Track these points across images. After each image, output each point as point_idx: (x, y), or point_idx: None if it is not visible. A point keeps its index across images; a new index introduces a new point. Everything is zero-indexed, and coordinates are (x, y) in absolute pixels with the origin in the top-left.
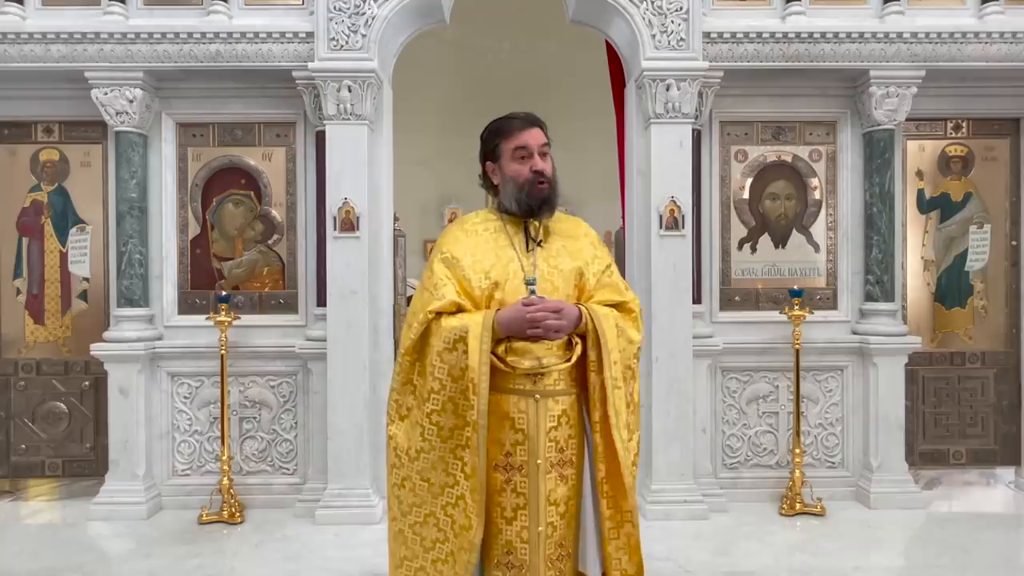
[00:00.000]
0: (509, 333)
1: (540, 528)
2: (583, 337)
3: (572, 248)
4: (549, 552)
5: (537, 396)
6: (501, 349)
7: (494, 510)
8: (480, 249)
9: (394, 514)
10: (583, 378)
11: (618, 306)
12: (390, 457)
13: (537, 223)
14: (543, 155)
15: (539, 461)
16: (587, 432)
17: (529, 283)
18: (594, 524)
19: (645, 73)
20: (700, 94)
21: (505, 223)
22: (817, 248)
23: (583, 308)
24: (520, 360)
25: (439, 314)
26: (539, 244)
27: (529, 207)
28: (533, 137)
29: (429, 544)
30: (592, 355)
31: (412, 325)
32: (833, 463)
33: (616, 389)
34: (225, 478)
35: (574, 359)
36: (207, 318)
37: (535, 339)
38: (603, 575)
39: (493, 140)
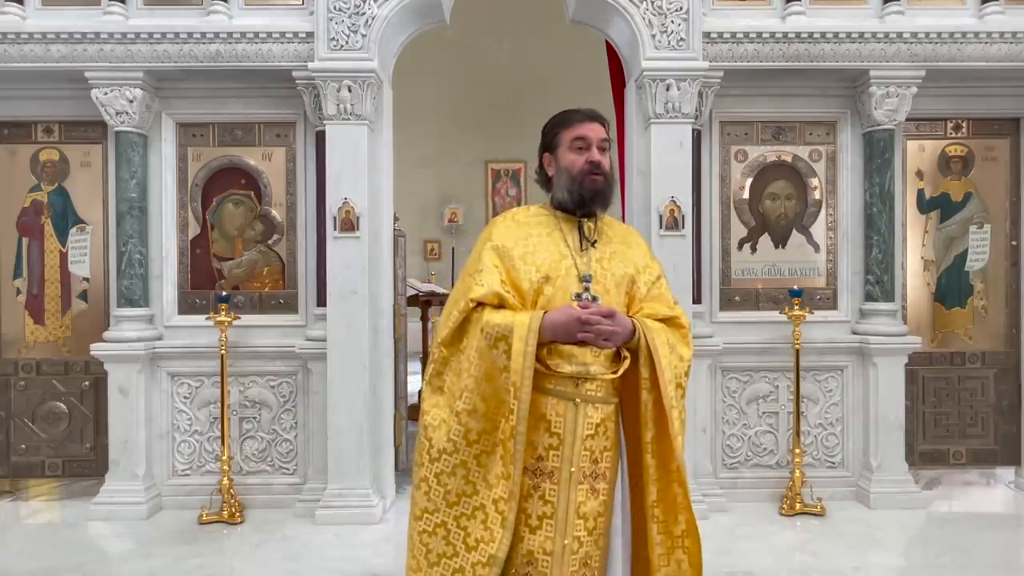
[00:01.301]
0: (555, 337)
1: (566, 541)
2: (632, 351)
3: (625, 254)
4: (573, 569)
5: (577, 400)
6: (543, 351)
7: (518, 516)
8: (532, 242)
9: (410, 518)
10: (623, 389)
11: (667, 320)
12: (415, 454)
13: (592, 224)
14: (602, 149)
15: (572, 469)
16: (622, 450)
17: (584, 280)
18: (625, 549)
19: (645, 73)
20: (700, 94)
21: (559, 220)
22: (817, 248)
23: (636, 322)
24: (563, 364)
25: (481, 305)
26: (593, 245)
27: (581, 197)
28: (594, 130)
29: (434, 558)
30: (644, 372)
31: (451, 314)
32: (833, 463)
33: (672, 408)
34: (225, 478)
35: (621, 371)
36: (207, 318)
37: (583, 344)
38: None
39: (553, 130)
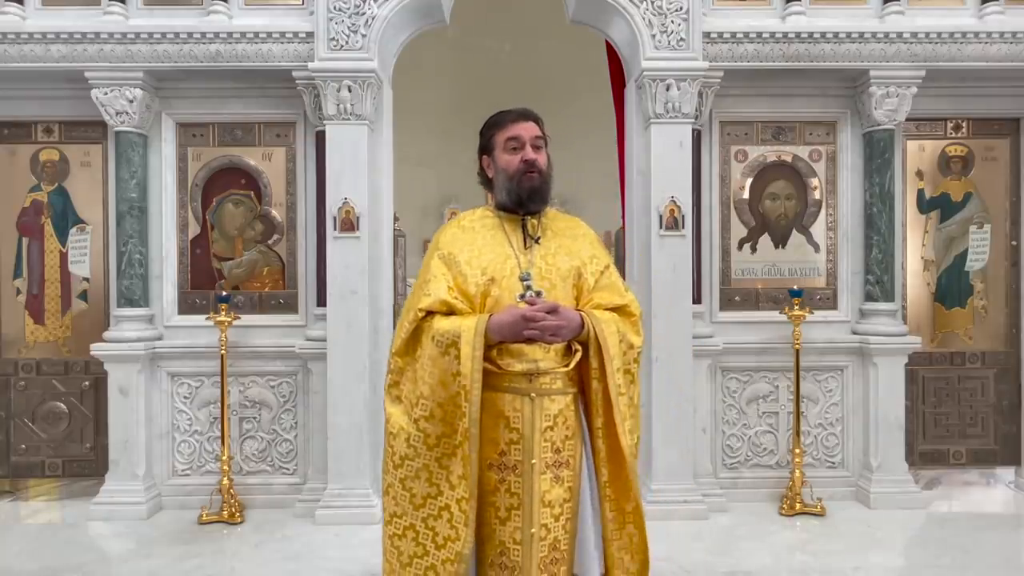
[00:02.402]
0: (502, 338)
1: (533, 529)
2: (583, 343)
3: (570, 247)
4: (542, 555)
5: (533, 395)
6: (494, 352)
7: (488, 510)
8: (477, 246)
9: (382, 524)
10: (580, 378)
11: (618, 309)
12: (382, 463)
13: (535, 220)
14: (536, 147)
15: (533, 461)
16: (585, 435)
17: (524, 278)
18: (594, 528)
19: (645, 73)
20: (700, 94)
21: (502, 220)
22: (817, 248)
23: (584, 315)
24: (514, 363)
25: (431, 314)
26: (536, 241)
27: (519, 197)
28: (526, 129)
29: (406, 560)
30: (594, 363)
31: (404, 324)
32: (833, 463)
33: (620, 396)
34: (225, 478)
35: (573, 363)
36: (207, 318)
37: (531, 341)
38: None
39: (488, 133)
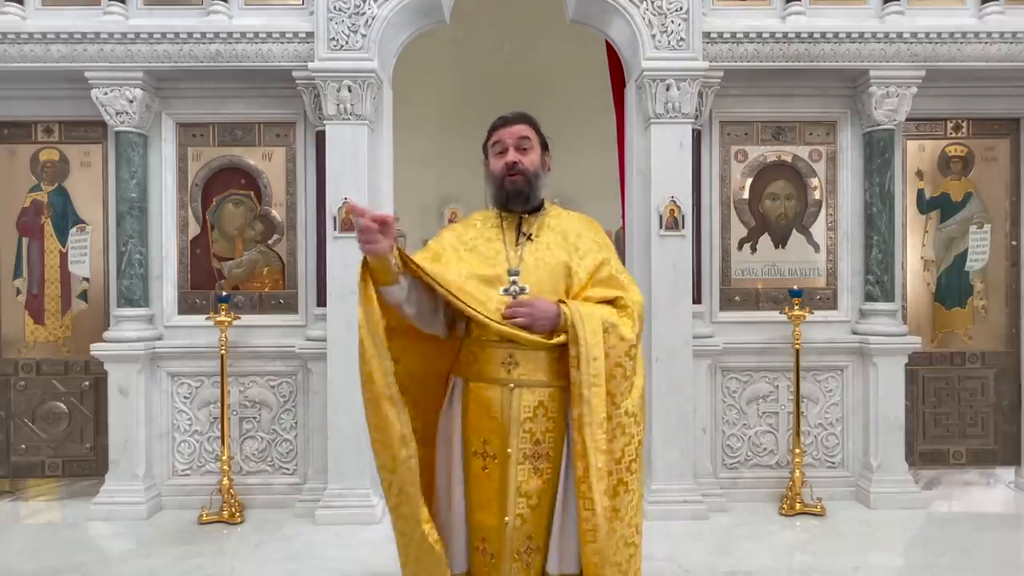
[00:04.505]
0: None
1: (507, 518)
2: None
3: (567, 243)
4: (517, 544)
5: (511, 385)
6: (476, 345)
7: (473, 496)
8: (469, 244)
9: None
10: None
11: (612, 301)
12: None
13: (532, 218)
14: (522, 149)
15: (510, 450)
16: (570, 429)
17: (512, 273)
18: (573, 522)
19: (645, 73)
20: (700, 94)
21: (502, 219)
22: (817, 248)
23: (562, 306)
24: (494, 352)
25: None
26: (529, 238)
27: (502, 198)
28: (509, 133)
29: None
30: (573, 351)
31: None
32: (833, 463)
33: (594, 387)
34: (225, 478)
35: (555, 342)
36: (207, 318)
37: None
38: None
39: (486, 139)
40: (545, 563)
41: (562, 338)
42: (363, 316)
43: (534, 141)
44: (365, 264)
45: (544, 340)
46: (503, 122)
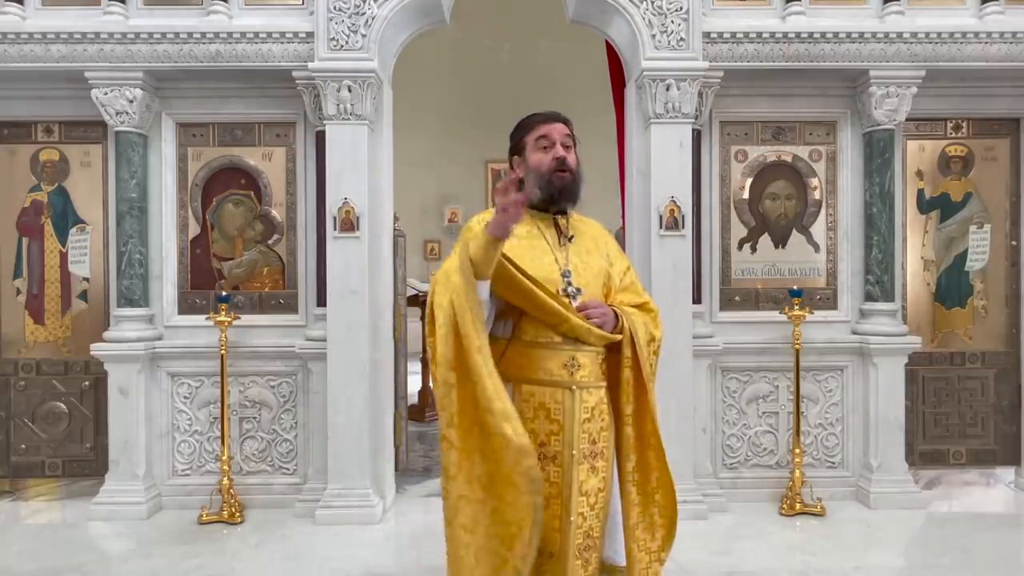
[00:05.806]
0: (494, 234)
1: (572, 518)
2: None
3: (598, 248)
4: (578, 542)
5: (573, 388)
6: (531, 345)
7: None
8: (512, 242)
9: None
10: (608, 373)
11: (640, 307)
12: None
13: (565, 220)
14: (566, 147)
15: (573, 452)
16: (615, 425)
17: (565, 275)
18: (622, 515)
19: (645, 73)
20: (700, 94)
21: (534, 218)
22: (817, 248)
23: (617, 309)
24: (553, 354)
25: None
26: (570, 240)
27: (551, 194)
28: (556, 129)
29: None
30: (627, 352)
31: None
32: (833, 463)
33: (651, 383)
34: (225, 478)
35: (616, 338)
36: (207, 318)
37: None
38: (627, 556)
39: (517, 135)
40: (600, 556)
41: (619, 337)
42: (464, 286)
43: (574, 142)
44: (489, 246)
45: (611, 337)
46: (545, 118)
